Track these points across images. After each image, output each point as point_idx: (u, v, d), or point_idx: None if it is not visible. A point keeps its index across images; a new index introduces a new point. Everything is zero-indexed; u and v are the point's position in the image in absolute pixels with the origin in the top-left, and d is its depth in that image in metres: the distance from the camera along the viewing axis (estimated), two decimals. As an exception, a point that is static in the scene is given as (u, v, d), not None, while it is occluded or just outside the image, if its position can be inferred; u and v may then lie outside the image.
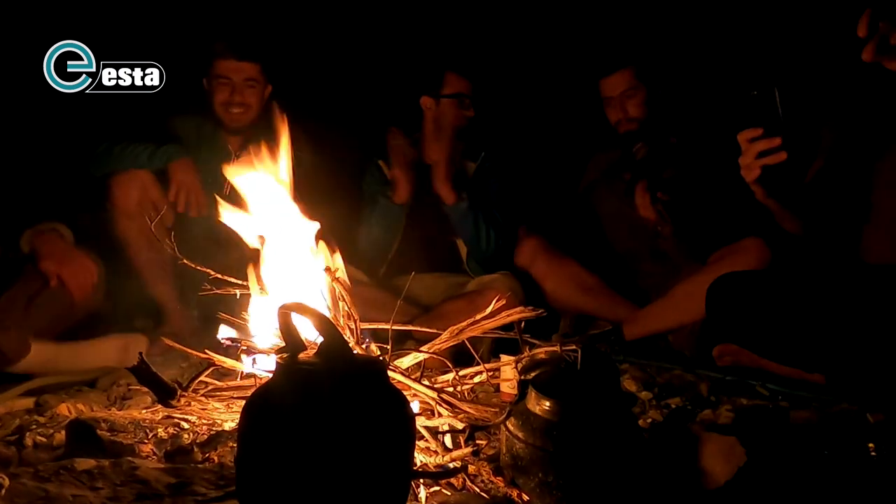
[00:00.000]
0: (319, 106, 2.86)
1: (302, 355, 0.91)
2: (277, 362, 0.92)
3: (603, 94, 2.45)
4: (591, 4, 2.94)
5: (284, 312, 0.94)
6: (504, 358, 1.51)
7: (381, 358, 1.27)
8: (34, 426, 1.37)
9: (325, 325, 0.89)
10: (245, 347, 1.35)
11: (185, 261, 1.43)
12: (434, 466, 1.08)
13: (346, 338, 1.13)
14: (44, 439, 1.29)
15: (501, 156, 2.67)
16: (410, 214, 2.52)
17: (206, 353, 1.35)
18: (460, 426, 1.11)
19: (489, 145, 2.66)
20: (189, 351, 1.41)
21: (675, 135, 2.44)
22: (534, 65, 3.05)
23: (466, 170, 2.61)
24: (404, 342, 1.83)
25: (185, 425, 1.30)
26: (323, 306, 1.32)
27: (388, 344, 1.37)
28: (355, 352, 1.32)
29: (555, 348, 1.33)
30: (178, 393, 1.25)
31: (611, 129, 2.50)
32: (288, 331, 0.95)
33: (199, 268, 1.41)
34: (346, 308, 1.33)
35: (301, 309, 0.92)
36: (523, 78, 3.07)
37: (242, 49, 2.36)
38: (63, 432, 1.25)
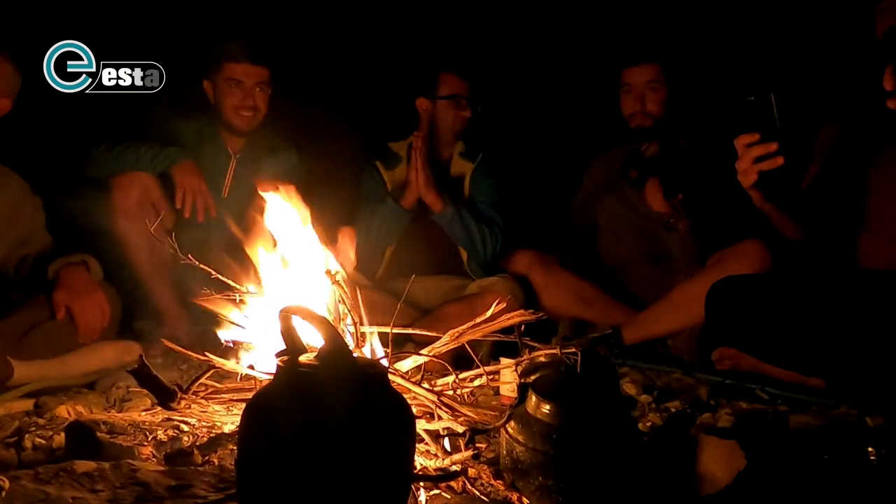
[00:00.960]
0: (319, 107, 2.87)
1: (302, 358, 0.91)
2: (278, 365, 0.92)
3: (624, 80, 2.41)
4: (622, 5, 2.94)
5: (285, 315, 0.94)
6: (504, 361, 1.51)
7: (381, 361, 1.27)
8: (33, 428, 1.38)
9: (325, 328, 0.89)
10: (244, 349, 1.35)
11: (189, 257, 1.43)
12: (434, 469, 1.08)
13: (346, 341, 1.12)
14: (43, 441, 1.29)
15: (500, 157, 2.67)
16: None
17: (205, 356, 1.35)
18: (460, 429, 1.11)
19: (487, 146, 2.66)
20: (188, 353, 1.40)
21: (685, 136, 2.43)
22: (534, 65, 3.05)
23: (464, 171, 2.61)
24: (404, 345, 1.83)
25: (185, 428, 1.30)
26: (324, 309, 1.32)
27: (387, 347, 1.37)
28: (356, 354, 1.33)
29: (554, 351, 1.32)
30: (179, 395, 1.24)
31: (619, 124, 2.48)
32: (288, 333, 0.95)
33: (201, 265, 1.41)
34: (347, 311, 1.33)
35: (302, 312, 0.92)
36: (523, 78, 3.07)
37: (257, 52, 2.36)
38: (62, 434, 1.25)
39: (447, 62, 2.58)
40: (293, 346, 0.95)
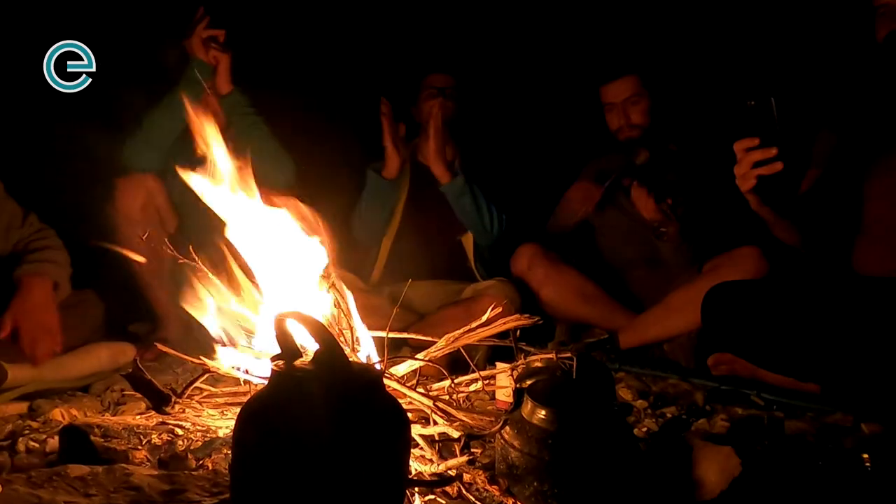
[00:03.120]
0: (319, 108, 2.87)
1: (297, 362, 0.91)
2: (273, 370, 0.91)
3: (605, 99, 2.43)
4: (597, 12, 2.96)
5: (280, 319, 0.94)
6: (499, 365, 1.51)
7: (376, 366, 1.27)
8: (27, 431, 1.37)
9: (320, 332, 0.89)
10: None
11: (192, 250, 1.43)
12: (429, 475, 1.08)
13: (341, 345, 1.12)
14: (37, 445, 1.28)
15: (497, 160, 2.68)
16: (408, 213, 2.51)
17: (200, 360, 1.34)
18: (456, 434, 1.11)
19: (485, 150, 2.67)
20: (183, 357, 1.40)
21: (675, 142, 2.44)
22: (533, 70, 3.06)
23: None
24: (400, 349, 1.83)
25: (180, 431, 1.29)
26: (319, 313, 1.32)
27: (383, 351, 1.37)
28: (351, 359, 1.32)
29: (550, 356, 1.33)
30: (173, 400, 1.24)
31: (608, 136, 2.50)
32: (283, 337, 0.95)
33: (200, 265, 1.41)
34: (342, 315, 1.33)
35: (297, 316, 0.91)
36: (522, 83, 3.08)
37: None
38: (56, 438, 1.25)
39: (427, 67, 2.60)
40: (288, 350, 0.95)
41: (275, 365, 0.92)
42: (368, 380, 0.91)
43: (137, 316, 2.32)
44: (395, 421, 0.89)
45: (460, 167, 2.55)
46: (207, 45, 2.26)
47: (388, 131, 2.42)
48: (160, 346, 1.49)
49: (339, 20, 2.99)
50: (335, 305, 1.32)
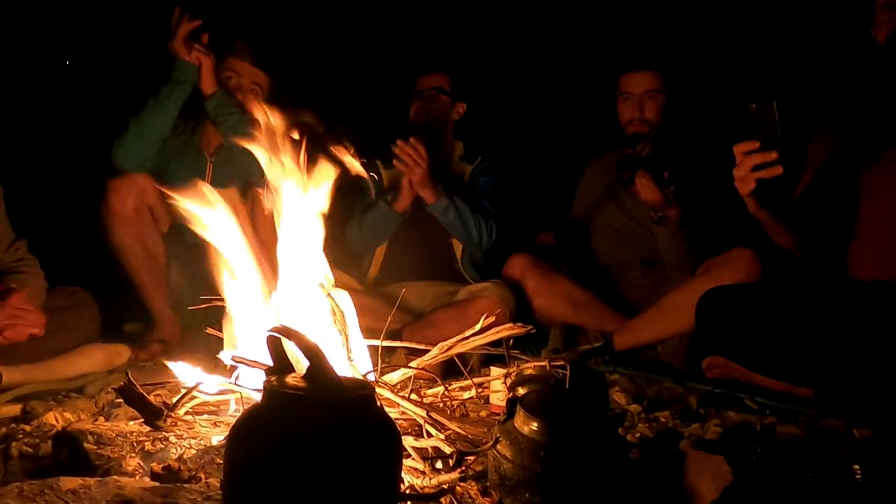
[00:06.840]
0: (318, 106, 2.85)
1: (289, 378, 0.91)
2: (265, 386, 0.91)
3: (623, 88, 2.39)
4: (611, 10, 2.94)
5: (272, 335, 0.94)
6: (494, 371, 1.51)
7: (368, 380, 1.27)
8: (20, 435, 1.36)
9: (310, 350, 0.89)
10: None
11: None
12: (421, 488, 1.08)
13: (333, 360, 1.11)
14: (30, 450, 1.29)
15: (497, 160, 2.67)
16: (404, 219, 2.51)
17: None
18: (448, 450, 1.11)
19: (485, 150, 2.65)
20: (174, 369, 1.40)
21: (680, 139, 2.42)
22: (530, 68, 3.05)
23: (462, 172, 2.61)
24: (395, 349, 1.82)
25: (173, 438, 1.29)
26: (312, 327, 1.31)
27: (378, 357, 1.37)
28: (347, 364, 1.32)
29: (543, 363, 1.33)
30: (165, 414, 1.24)
31: (615, 130, 2.47)
32: (276, 352, 0.95)
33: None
34: (337, 321, 1.33)
35: (288, 333, 0.91)
36: (524, 83, 3.06)
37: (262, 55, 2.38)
38: (49, 442, 1.25)
39: (422, 67, 2.57)
40: (280, 366, 0.95)
41: (266, 381, 0.91)
42: (359, 397, 0.91)
43: (132, 316, 2.32)
44: (386, 439, 0.89)
45: (468, 161, 2.55)
46: (190, 46, 2.23)
47: (414, 162, 2.37)
48: (153, 358, 1.49)
49: (337, 19, 2.97)
50: (332, 313, 1.32)
